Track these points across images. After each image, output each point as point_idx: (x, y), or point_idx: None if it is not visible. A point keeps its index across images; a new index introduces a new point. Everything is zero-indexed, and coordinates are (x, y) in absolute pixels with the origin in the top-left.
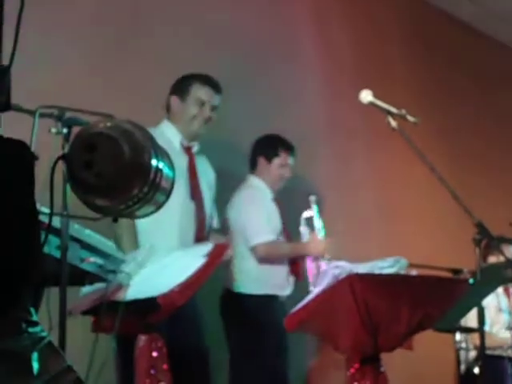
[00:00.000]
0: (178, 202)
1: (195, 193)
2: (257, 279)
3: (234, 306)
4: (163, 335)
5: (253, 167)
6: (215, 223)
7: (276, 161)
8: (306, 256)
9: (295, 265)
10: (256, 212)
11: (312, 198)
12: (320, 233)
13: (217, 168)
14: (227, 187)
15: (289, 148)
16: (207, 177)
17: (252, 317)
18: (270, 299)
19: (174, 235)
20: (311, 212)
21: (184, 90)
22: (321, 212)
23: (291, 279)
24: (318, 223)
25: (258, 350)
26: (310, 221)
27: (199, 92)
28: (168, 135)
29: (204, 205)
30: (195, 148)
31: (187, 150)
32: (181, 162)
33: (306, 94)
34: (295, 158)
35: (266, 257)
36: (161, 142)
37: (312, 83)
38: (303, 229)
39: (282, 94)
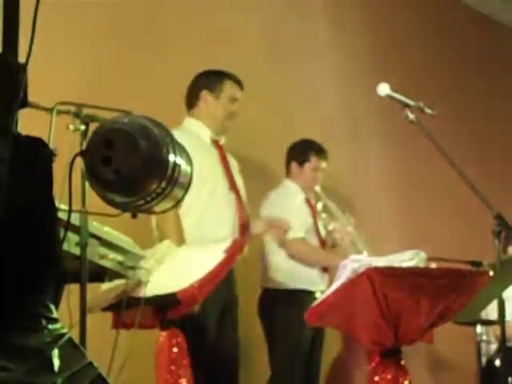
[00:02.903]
0: (221, 194)
1: (232, 183)
2: (287, 274)
3: (268, 302)
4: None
5: (288, 172)
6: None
7: (307, 165)
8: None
9: None
10: (288, 209)
11: (317, 189)
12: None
13: None
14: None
15: (319, 152)
16: (235, 167)
17: (282, 311)
18: (302, 294)
19: (223, 226)
20: (323, 202)
21: (217, 86)
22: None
23: (326, 275)
24: (333, 208)
25: (296, 350)
26: (325, 208)
27: (233, 90)
28: (196, 131)
29: (241, 195)
30: (222, 141)
31: (216, 143)
32: (213, 155)
33: (322, 91)
34: (327, 161)
35: (297, 254)
36: (190, 139)
37: (329, 78)
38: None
39: (297, 91)
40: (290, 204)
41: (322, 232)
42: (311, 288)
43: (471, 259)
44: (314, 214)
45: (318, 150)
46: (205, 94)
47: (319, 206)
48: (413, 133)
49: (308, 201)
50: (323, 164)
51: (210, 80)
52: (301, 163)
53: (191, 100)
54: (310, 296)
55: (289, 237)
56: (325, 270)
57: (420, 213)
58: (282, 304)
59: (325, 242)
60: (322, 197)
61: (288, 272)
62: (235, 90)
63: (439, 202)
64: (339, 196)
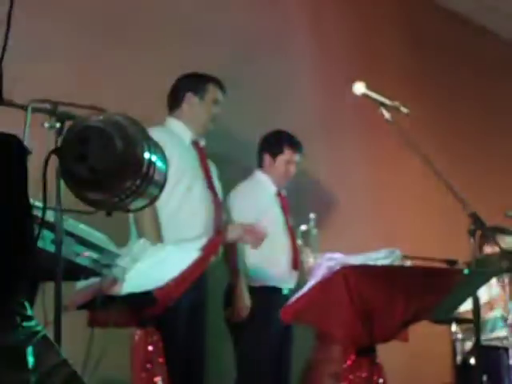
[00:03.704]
0: (198, 193)
1: (210, 184)
2: (254, 271)
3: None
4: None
5: (260, 163)
6: (224, 216)
7: (281, 158)
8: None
9: (295, 256)
10: (242, 202)
11: (312, 216)
12: (314, 251)
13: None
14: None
15: (294, 145)
16: (213, 171)
17: (251, 311)
18: (270, 291)
19: (199, 224)
20: (308, 226)
21: (201, 88)
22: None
23: (295, 273)
24: (313, 241)
25: (261, 344)
26: (306, 234)
27: (216, 92)
28: (177, 132)
29: (218, 196)
30: (202, 143)
31: (196, 144)
32: (192, 155)
33: (298, 87)
34: (301, 154)
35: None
36: (169, 137)
37: (304, 76)
38: (299, 241)
39: (274, 87)
40: (250, 201)
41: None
42: (279, 285)
43: (447, 258)
44: (285, 207)
45: (292, 142)
46: (189, 96)
47: (303, 227)
48: (389, 130)
49: (279, 194)
50: (297, 157)
51: (194, 82)
52: (274, 155)
53: (174, 101)
54: (277, 293)
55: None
56: (294, 267)
57: (396, 211)
58: (252, 303)
59: (294, 238)
60: (311, 223)
61: (255, 268)
62: (218, 93)
63: (416, 200)
64: (315, 193)
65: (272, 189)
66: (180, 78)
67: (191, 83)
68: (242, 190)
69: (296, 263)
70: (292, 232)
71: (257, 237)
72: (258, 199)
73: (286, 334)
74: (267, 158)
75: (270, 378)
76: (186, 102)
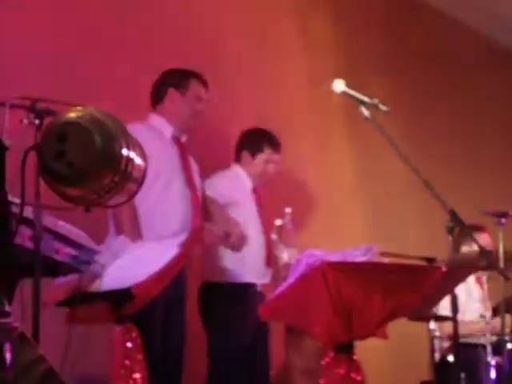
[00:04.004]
0: (177, 189)
1: (190, 181)
2: (228, 266)
3: (208, 297)
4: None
5: (238, 159)
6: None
7: (260, 156)
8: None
9: (268, 252)
10: (216, 184)
11: (288, 210)
12: (288, 246)
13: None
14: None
15: (274, 144)
16: (195, 167)
17: (225, 307)
18: (245, 287)
19: (176, 220)
20: (284, 221)
21: (184, 85)
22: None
23: (269, 269)
24: (288, 237)
25: (233, 343)
26: (281, 229)
27: (199, 89)
28: (158, 127)
29: (198, 193)
30: (184, 139)
31: (177, 140)
32: (172, 151)
33: (284, 82)
34: (280, 154)
35: None
36: (150, 133)
37: (289, 73)
38: (273, 236)
39: (259, 85)
40: (219, 181)
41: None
42: (253, 281)
43: (426, 255)
44: (260, 203)
45: (272, 141)
46: (171, 92)
47: (278, 222)
48: (373, 127)
49: (255, 191)
50: (276, 157)
51: (177, 78)
52: (253, 153)
53: (157, 96)
54: (250, 289)
55: None
56: (268, 263)
57: (376, 208)
58: (224, 298)
59: (269, 235)
60: (287, 217)
61: (231, 265)
62: (201, 90)
63: (396, 198)
64: (300, 191)
65: (248, 183)
66: (163, 73)
67: (174, 79)
68: (217, 177)
69: (269, 260)
70: (266, 229)
71: (237, 240)
72: (233, 187)
73: (261, 330)
74: (246, 155)
75: (244, 376)
76: (168, 97)
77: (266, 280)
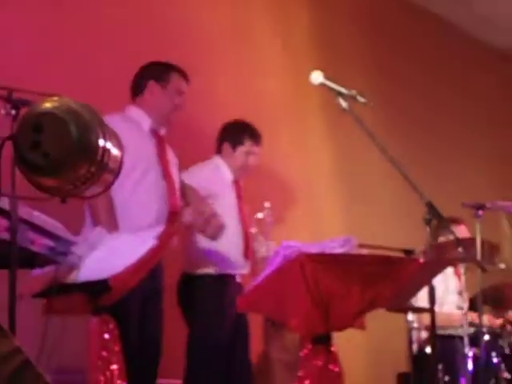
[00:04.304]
0: (152, 181)
1: (166, 173)
2: (206, 258)
3: (187, 289)
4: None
5: (218, 151)
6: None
7: (240, 149)
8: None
9: (247, 242)
10: (193, 171)
11: (267, 205)
12: (267, 240)
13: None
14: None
15: (254, 137)
16: (173, 159)
17: (205, 298)
18: (224, 278)
19: (150, 212)
20: (264, 215)
21: (164, 78)
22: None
23: (248, 261)
24: (267, 230)
25: (213, 333)
26: (261, 222)
27: (179, 82)
28: (136, 119)
29: (175, 185)
30: (162, 132)
31: (155, 133)
32: (149, 143)
33: (263, 75)
34: (261, 146)
35: None
36: (128, 124)
37: (268, 65)
38: (253, 230)
39: (237, 76)
40: (197, 169)
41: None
42: (233, 271)
43: (404, 247)
44: (240, 196)
45: (252, 134)
46: (152, 84)
47: (259, 216)
48: (352, 120)
49: (236, 182)
50: (256, 149)
51: (157, 71)
52: (234, 145)
53: (137, 89)
54: (229, 280)
55: None
56: (246, 256)
57: (355, 199)
58: (203, 289)
59: (247, 227)
60: (267, 211)
61: (210, 256)
62: (182, 83)
63: (374, 189)
64: (278, 183)
65: (228, 175)
66: (144, 65)
67: (155, 71)
68: (197, 168)
69: (247, 252)
70: (245, 221)
71: (214, 225)
72: (212, 179)
73: (240, 321)
74: (227, 147)
75: (222, 366)
76: (148, 90)
77: (245, 271)
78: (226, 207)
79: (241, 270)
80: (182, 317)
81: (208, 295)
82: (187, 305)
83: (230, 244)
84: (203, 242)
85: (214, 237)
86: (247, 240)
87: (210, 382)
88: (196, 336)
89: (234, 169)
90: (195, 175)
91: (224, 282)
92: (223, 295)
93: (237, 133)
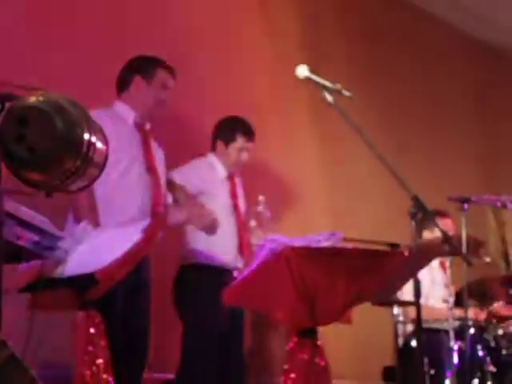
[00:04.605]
0: (135, 176)
1: (150, 167)
2: (202, 251)
3: (182, 281)
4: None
5: (213, 148)
6: (170, 200)
7: (233, 145)
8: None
9: (241, 239)
10: (185, 168)
11: (261, 198)
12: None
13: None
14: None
15: (247, 133)
16: (159, 154)
17: (199, 290)
18: (219, 272)
19: (133, 207)
20: (260, 208)
21: (149, 72)
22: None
23: (241, 257)
24: (266, 223)
25: (208, 325)
26: (259, 215)
27: (165, 77)
28: (121, 113)
29: (159, 179)
30: (147, 126)
31: (140, 127)
32: (134, 137)
33: (248, 72)
34: (254, 142)
35: None
36: (112, 118)
37: (254, 60)
38: (252, 223)
39: (224, 72)
40: (189, 166)
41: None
42: (227, 266)
43: (390, 241)
44: (234, 192)
45: (245, 130)
46: (137, 79)
47: (257, 209)
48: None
49: (230, 178)
50: (250, 145)
51: (143, 65)
52: (226, 142)
53: (123, 83)
54: (226, 273)
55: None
56: (240, 251)
57: (341, 193)
58: (197, 281)
59: (241, 223)
60: (261, 205)
61: (205, 248)
62: (167, 78)
63: (360, 183)
64: (265, 179)
65: (222, 172)
66: (130, 60)
67: (140, 66)
68: (188, 166)
69: (242, 248)
70: (239, 216)
71: (208, 221)
72: (204, 177)
73: (235, 313)
74: (220, 144)
75: (216, 357)
76: (133, 84)
77: (240, 265)
78: (219, 204)
79: (235, 264)
80: (175, 310)
81: (203, 286)
82: (182, 297)
83: (224, 240)
84: (198, 235)
85: (208, 231)
86: (242, 235)
87: (205, 371)
88: (191, 326)
89: (228, 165)
90: (187, 173)
91: (219, 274)
92: (218, 287)
93: (229, 130)
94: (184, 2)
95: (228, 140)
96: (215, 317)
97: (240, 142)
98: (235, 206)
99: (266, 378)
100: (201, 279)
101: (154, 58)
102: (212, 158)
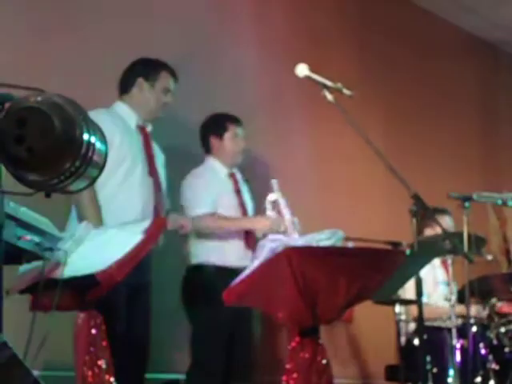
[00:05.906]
0: (138, 178)
1: (152, 169)
2: (210, 250)
3: (190, 277)
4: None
5: (207, 149)
6: (167, 203)
7: (227, 135)
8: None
9: (248, 238)
10: (195, 186)
11: (274, 182)
12: (287, 213)
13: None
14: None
15: (235, 119)
16: (160, 157)
17: (209, 291)
18: (226, 271)
19: (135, 209)
20: (275, 195)
21: (153, 75)
22: (260, 187)
23: (250, 252)
24: (283, 204)
25: (216, 324)
26: (275, 204)
27: (168, 81)
28: (123, 115)
29: (160, 181)
30: (149, 128)
31: (142, 129)
32: (136, 139)
33: (244, 69)
34: (244, 128)
35: (205, 229)
36: (114, 120)
37: (251, 59)
38: (270, 213)
39: (220, 72)
40: (199, 181)
41: (249, 208)
42: (235, 265)
43: (392, 240)
44: (237, 187)
45: (233, 118)
46: (140, 82)
47: (271, 197)
48: (335, 110)
49: (232, 175)
50: (240, 130)
51: (147, 68)
52: (219, 135)
53: (125, 85)
54: (233, 273)
55: (192, 215)
56: (248, 247)
57: (341, 192)
58: (206, 282)
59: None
60: (275, 190)
61: (212, 248)
62: (170, 82)
63: (360, 182)
64: (261, 173)
65: (223, 172)
66: (134, 62)
67: (144, 69)
68: (191, 180)
69: (249, 243)
70: (245, 214)
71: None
72: (210, 187)
73: (242, 314)
74: (214, 140)
75: (225, 358)
76: (136, 87)
77: (247, 262)
78: (227, 204)
79: (243, 262)
80: (184, 310)
81: (214, 287)
82: (192, 297)
83: (231, 239)
84: (205, 236)
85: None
86: (248, 232)
87: (215, 372)
88: (201, 327)
89: (228, 159)
90: (195, 186)
91: (229, 274)
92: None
93: (217, 123)
94: (182, 2)
95: (221, 132)
96: (225, 317)
97: (232, 128)
98: (240, 203)
99: (271, 376)
100: (211, 279)
101: (157, 61)
102: (210, 160)
